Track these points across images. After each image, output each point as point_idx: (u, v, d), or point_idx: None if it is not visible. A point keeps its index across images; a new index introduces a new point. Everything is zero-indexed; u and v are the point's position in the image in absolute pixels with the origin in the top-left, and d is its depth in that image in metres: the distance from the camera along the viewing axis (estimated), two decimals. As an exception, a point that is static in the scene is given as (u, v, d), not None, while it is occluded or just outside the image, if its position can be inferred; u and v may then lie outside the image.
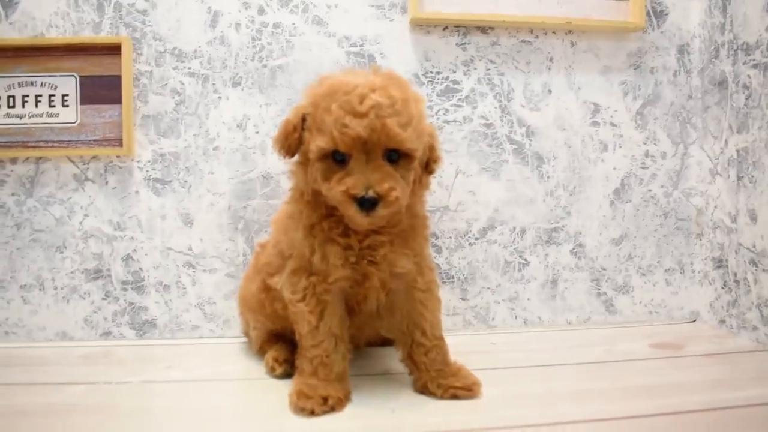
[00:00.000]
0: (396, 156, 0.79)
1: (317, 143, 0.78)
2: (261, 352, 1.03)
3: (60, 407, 0.84)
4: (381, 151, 0.78)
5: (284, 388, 0.87)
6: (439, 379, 0.87)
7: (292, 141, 0.83)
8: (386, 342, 1.08)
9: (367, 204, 0.76)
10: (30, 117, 1.16)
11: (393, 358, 0.96)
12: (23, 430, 0.77)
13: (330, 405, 0.81)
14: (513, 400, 0.86)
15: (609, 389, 0.91)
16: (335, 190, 0.78)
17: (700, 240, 1.30)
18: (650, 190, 1.30)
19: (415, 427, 0.78)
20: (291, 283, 0.86)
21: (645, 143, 1.29)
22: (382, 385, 0.92)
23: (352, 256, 0.84)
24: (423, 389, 0.88)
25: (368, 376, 0.97)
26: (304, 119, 0.82)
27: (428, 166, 0.87)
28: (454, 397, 0.85)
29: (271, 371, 0.96)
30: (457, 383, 0.86)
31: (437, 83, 1.23)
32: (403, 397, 0.88)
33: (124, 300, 1.19)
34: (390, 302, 0.90)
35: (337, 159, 0.79)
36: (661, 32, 1.28)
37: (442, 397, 0.85)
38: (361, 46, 1.21)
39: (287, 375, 0.94)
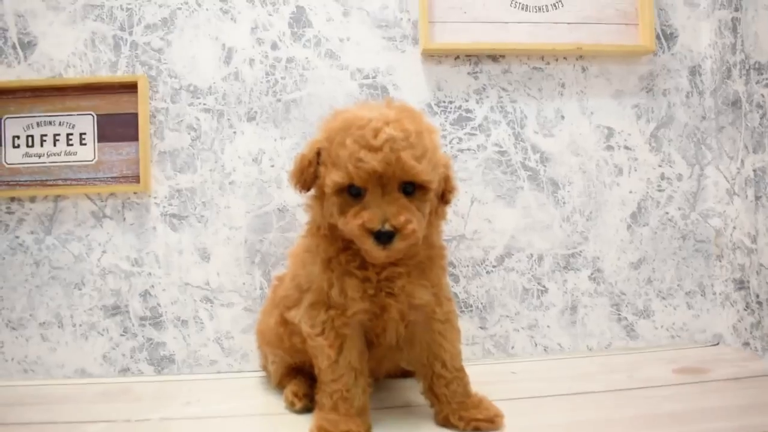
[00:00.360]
0: (411, 188, 0.79)
1: (333, 178, 0.78)
2: (280, 386, 1.02)
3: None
4: (396, 184, 0.78)
5: (305, 423, 0.86)
6: (460, 412, 0.86)
7: (307, 175, 0.83)
8: (406, 373, 1.07)
9: (384, 237, 0.76)
10: (48, 156, 1.18)
11: (413, 390, 0.95)
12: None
13: None
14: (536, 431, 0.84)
15: (634, 417, 0.89)
16: (351, 224, 0.78)
17: (720, 261, 1.29)
18: (667, 213, 1.29)
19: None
20: (309, 317, 0.86)
21: (660, 165, 1.28)
22: (403, 417, 0.91)
23: (370, 289, 0.83)
24: (445, 422, 0.86)
25: (389, 408, 0.95)
26: (319, 153, 0.82)
27: (444, 196, 0.87)
28: (477, 429, 0.84)
29: (291, 406, 0.95)
30: (479, 415, 0.85)
31: (450, 112, 1.24)
32: (424, 429, 0.86)
33: (142, 336, 1.19)
34: (409, 334, 0.89)
35: (352, 193, 0.79)
36: (672, 54, 1.28)
37: (464, 430, 0.84)
38: (374, 77, 1.22)
39: (307, 410, 0.93)
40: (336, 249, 0.84)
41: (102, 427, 0.91)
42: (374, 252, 0.78)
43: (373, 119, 0.77)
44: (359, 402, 0.84)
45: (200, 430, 0.90)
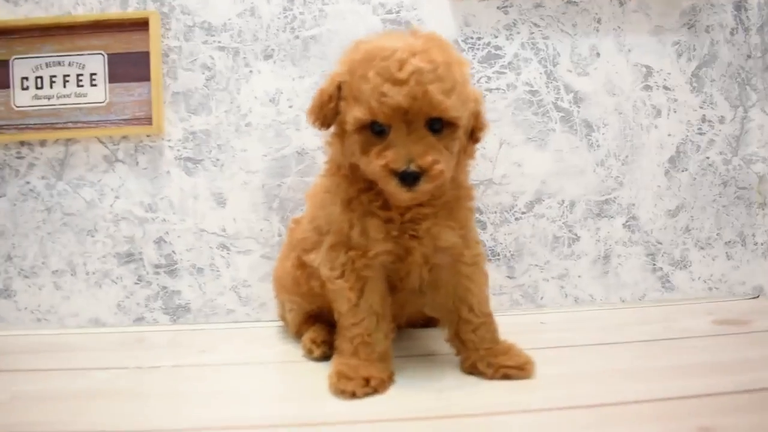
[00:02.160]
0: (439, 125, 0.73)
1: (354, 114, 0.72)
2: (298, 335, 0.97)
3: (85, 392, 0.80)
4: (423, 120, 0.71)
5: (323, 370, 0.81)
6: (488, 358, 0.80)
7: (327, 111, 0.77)
8: (429, 322, 1.02)
9: (409, 179, 0.70)
10: (58, 98, 1.13)
11: (438, 339, 0.90)
12: (45, 414, 0.72)
13: (372, 386, 0.75)
14: (566, 380, 0.79)
15: (670, 367, 0.83)
16: (374, 164, 0.72)
17: (763, 210, 1.22)
18: (708, 158, 1.21)
19: (463, 408, 0.71)
20: (329, 260, 0.81)
21: (701, 107, 1.21)
22: (426, 366, 0.86)
23: (393, 230, 0.78)
24: (472, 369, 0.81)
25: (412, 357, 0.91)
26: (339, 88, 0.75)
27: (473, 134, 0.81)
28: (506, 377, 0.79)
29: (309, 353, 0.90)
30: (509, 362, 0.80)
31: (478, 49, 1.17)
32: (449, 378, 0.81)
33: (157, 284, 1.15)
34: (434, 278, 0.84)
35: (375, 130, 0.73)
36: (717, -12, 1.20)
37: (492, 378, 0.79)
38: (398, 12, 1.15)
39: (326, 357, 0.88)
40: (357, 189, 0.79)
41: (112, 374, 0.87)
42: (398, 194, 0.73)
43: (398, 50, 0.70)
44: (381, 347, 0.79)
45: (214, 378, 0.86)
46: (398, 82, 0.69)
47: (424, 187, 0.72)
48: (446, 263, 0.83)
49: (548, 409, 0.70)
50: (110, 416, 0.71)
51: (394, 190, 0.72)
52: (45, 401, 0.77)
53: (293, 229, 0.96)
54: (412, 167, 0.70)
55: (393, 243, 0.79)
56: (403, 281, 0.84)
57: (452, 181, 0.80)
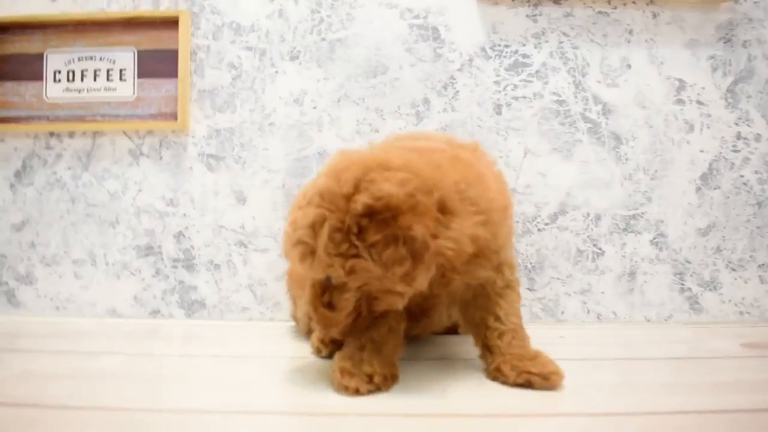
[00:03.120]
0: None
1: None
2: (308, 334, 0.96)
3: (94, 373, 0.80)
4: None
5: (330, 367, 0.80)
6: (513, 362, 0.76)
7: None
8: (449, 329, 0.99)
9: None
10: (88, 91, 1.15)
11: (451, 345, 0.89)
12: (55, 390, 0.73)
13: (375, 384, 0.72)
14: (583, 390, 0.75)
15: (695, 384, 0.80)
16: None
17: (800, 233, 1.17)
18: (742, 176, 1.17)
19: (464, 408, 0.69)
20: None
21: (737, 124, 1.17)
22: (436, 369, 0.84)
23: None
24: (496, 374, 0.77)
25: (422, 360, 0.88)
26: None
27: None
28: (528, 383, 0.74)
29: (318, 353, 0.89)
30: (533, 368, 0.75)
31: (505, 57, 1.15)
32: (456, 380, 0.78)
33: (174, 278, 1.15)
34: (464, 300, 0.81)
35: None
36: (755, 2, 1.16)
37: (514, 382, 0.75)
38: (425, 17, 1.15)
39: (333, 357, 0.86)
40: None
41: (122, 358, 0.88)
42: None
43: None
44: (388, 350, 0.76)
45: (221, 367, 0.85)
46: None
47: None
48: (477, 290, 0.80)
49: (554, 414, 0.67)
50: (118, 395, 0.71)
51: None
52: (56, 379, 0.77)
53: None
54: None
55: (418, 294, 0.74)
56: (426, 313, 0.82)
57: None
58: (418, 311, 0.80)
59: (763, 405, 0.70)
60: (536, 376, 0.74)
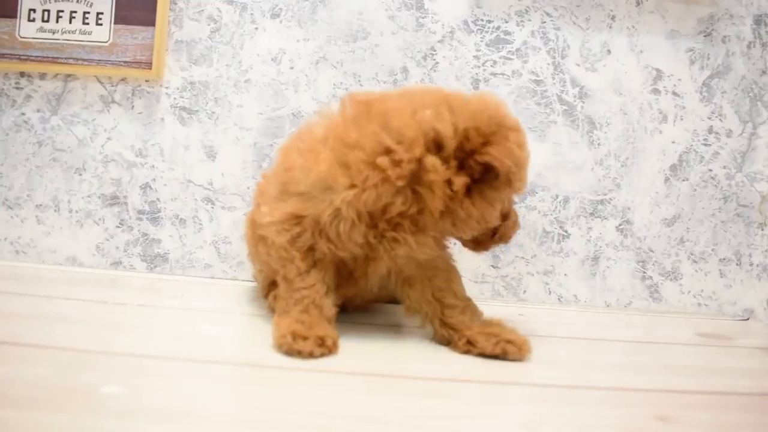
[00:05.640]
0: None
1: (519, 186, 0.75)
2: (267, 295, 0.93)
3: (49, 315, 0.79)
4: None
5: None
6: (486, 331, 0.76)
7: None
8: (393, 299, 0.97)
9: None
10: (63, 33, 1.13)
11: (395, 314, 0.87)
12: (5, 328, 0.71)
13: (327, 346, 0.70)
14: (537, 363, 0.75)
15: (647, 365, 0.81)
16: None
17: (762, 230, 1.18)
18: (711, 170, 1.18)
19: (419, 372, 0.69)
20: (287, 229, 0.74)
21: (709, 118, 1.18)
22: (386, 335, 0.84)
23: (372, 236, 0.73)
24: (468, 346, 0.75)
25: (375, 325, 0.88)
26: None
27: None
28: (504, 353, 0.74)
29: (273, 312, 0.88)
30: (509, 336, 0.75)
31: (487, 32, 1.15)
32: (409, 347, 0.79)
33: (138, 230, 1.14)
34: (406, 276, 0.80)
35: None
36: (738, -2, 1.17)
37: (492, 351, 0.74)
38: (410, -14, 1.14)
39: None
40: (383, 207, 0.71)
41: (77, 304, 0.87)
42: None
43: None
44: (329, 312, 0.75)
45: (175, 318, 0.84)
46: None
47: None
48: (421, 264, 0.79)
49: (509, 383, 0.68)
50: (70, 337, 0.70)
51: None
52: (10, 318, 0.76)
53: (259, 183, 0.90)
54: None
55: (368, 248, 0.74)
56: (355, 278, 0.80)
57: None
58: (347, 273, 0.79)
59: (712, 388, 0.71)
60: (511, 345, 0.74)
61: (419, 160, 0.68)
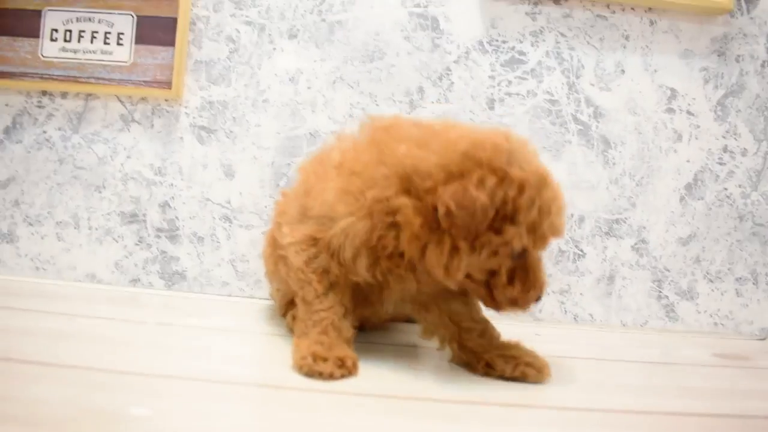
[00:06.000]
0: None
1: (523, 241, 0.67)
2: (285, 313, 0.94)
3: (69, 333, 0.80)
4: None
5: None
6: (505, 353, 0.75)
7: (481, 229, 0.66)
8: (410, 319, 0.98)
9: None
10: (84, 53, 1.15)
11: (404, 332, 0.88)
12: (26, 347, 0.72)
13: (347, 368, 0.70)
14: (554, 385, 0.75)
15: (665, 387, 0.81)
16: (516, 294, 0.71)
17: (779, 249, 1.18)
18: (726, 189, 1.18)
19: (438, 394, 0.69)
20: (304, 249, 0.75)
21: (724, 137, 1.18)
22: (406, 355, 0.84)
23: (378, 272, 0.73)
24: (488, 369, 0.75)
25: (391, 345, 0.89)
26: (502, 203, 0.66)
27: None
28: (523, 375, 0.73)
29: (291, 331, 0.87)
30: (527, 358, 0.75)
31: (502, 53, 1.16)
32: (427, 368, 0.79)
33: (157, 248, 1.15)
34: (423, 300, 0.79)
35: (517, 254, 0.70)
36: (751, 18, 1.18)
37: (512, 375, 0.74)
38: (425, 7, 1.15)
39: None
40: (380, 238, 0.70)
41: (97, 322, 0.88)
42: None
43: (548, 176, 0.71)
44: (347, 333, 0.75)
45: (195, 337, 0.85)
46: (561, 213, 0.70)
47: None
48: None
49: (527, 405, 0.68)
50: (91, 356, 0.71)
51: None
52: (31, 336, 0.77)
53: (279, 202, 0.90)
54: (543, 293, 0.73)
55: (375, 278, 0.74)
56: (377, 301, 0.79)
57: None
58: (363, 295, 0.78)
59: (730, 411, 0.71)
60: (531, 368, 0.74)
61: (390, 199, 0.68)
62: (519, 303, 0.72)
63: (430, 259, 0.67)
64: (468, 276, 0.69)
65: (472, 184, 0.64)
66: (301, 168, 0.83)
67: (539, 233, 0.68)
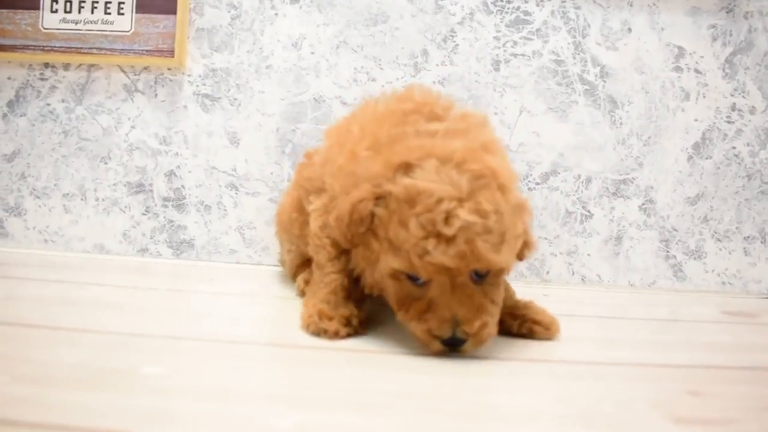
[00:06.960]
0: (485, 273, 0.64)
1: (390, 263, 0.63)
2: (294, 277, 0.96)
3: (82, 300, 0.81)
4: (467, 274, 0.63)
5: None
6: (514, 311, 0.75)
7: (356, 235, 0.67)
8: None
9: (456, 344, 0.63)
10: (85, 23, 1.14)
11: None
12: (41, 313, 0.73)
13: (354, 326, 0.71)
14: (564, 341, 0.75)
15: (673, 342, 0.81)
16: (415, 327, 0.64)
17: (787, 207, 1.18)
18: (734, 147, 1.18)
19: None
20: (320, 216, 0.76)
21: (732, 95, 1.17)
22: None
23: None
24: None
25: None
26: (373, 215, 0.65)
27: (519, 254, 0.71)
28: (531, 332, 0.73)
29: (302, 294, 0.89)
30: (536, 315, 0.74)
31: (507, 13, 1.15)
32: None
33: (164, 217, 1.15)
34: None
35: (413, 279, 0.64)
36: (761, -27, 1.16)
37: (518, 331, 0.74)
38: (428, -32, 1.14)
39: None
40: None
41: (108, 289, 0.88)
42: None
43: (443, 197, 0.60)
44: (356, 294, 0.75)
45: (204, 302, 0.86)
46: (444, 240, 0.60)
47: (469, 348, 0.64)
48: None
49: (538, 360, 0.68)
50: (105, 320, 0.71)
51: (435, 349, 0.64)
52: (45, 303, 0.78)
53: (304, 165, 0.90)
54: (459, 334, 0.62)
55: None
56: None
57: None
58: None
59: (741, 363, 0.71)
60: (539, 326, 0.74)
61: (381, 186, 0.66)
62: (421, 338, 0.65)
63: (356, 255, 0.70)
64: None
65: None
66: (327, 132, 0.82)
67: (414, 255, 0.62)
